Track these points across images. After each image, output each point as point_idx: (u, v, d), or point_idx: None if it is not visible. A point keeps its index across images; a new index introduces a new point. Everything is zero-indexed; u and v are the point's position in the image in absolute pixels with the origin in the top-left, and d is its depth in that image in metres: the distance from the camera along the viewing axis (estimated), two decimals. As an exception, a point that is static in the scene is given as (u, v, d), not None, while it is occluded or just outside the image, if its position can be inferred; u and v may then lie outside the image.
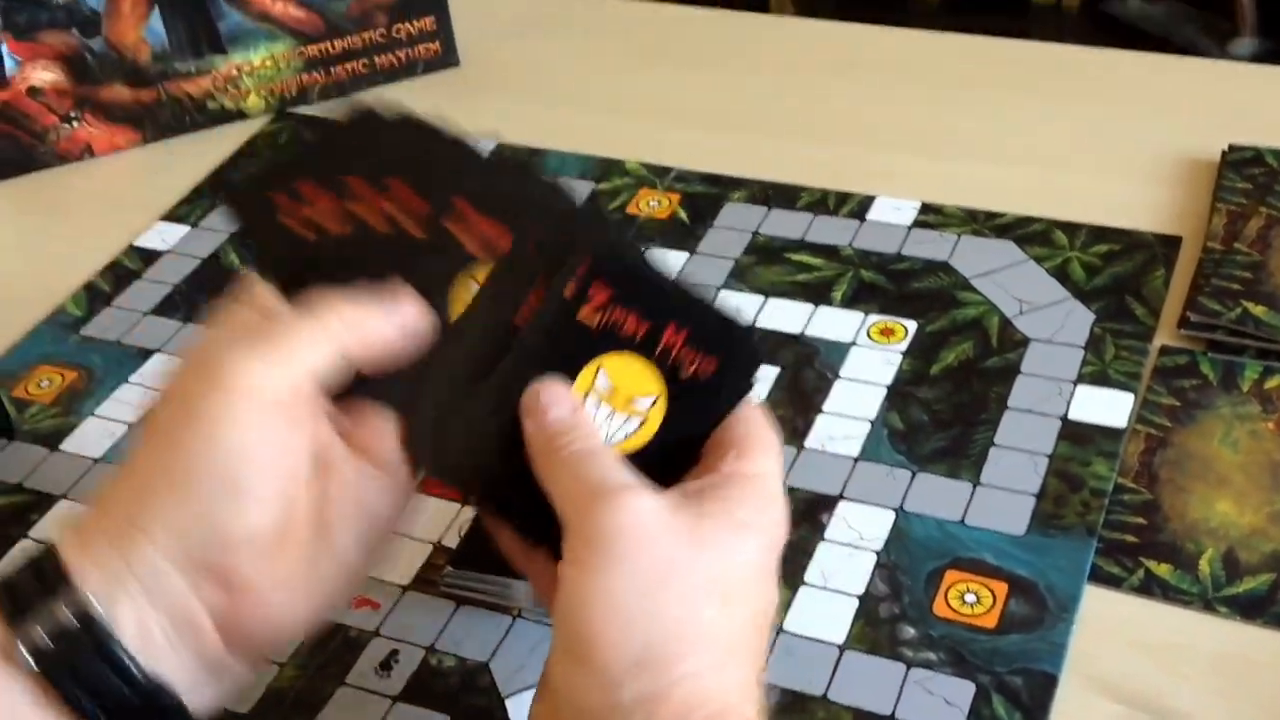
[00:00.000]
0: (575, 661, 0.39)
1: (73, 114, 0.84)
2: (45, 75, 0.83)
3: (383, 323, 0.43)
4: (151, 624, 0.40)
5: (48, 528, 0.60)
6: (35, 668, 0.38)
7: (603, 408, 0.43)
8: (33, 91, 0.83)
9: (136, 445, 0.42)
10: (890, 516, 0.56)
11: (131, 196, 0.81)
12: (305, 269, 0.45)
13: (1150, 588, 0.53)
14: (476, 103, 0.87)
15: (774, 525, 0.42)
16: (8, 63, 0.82)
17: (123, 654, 0.39)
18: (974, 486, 0.57)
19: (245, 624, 0.41)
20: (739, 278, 0.70)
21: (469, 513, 0.58)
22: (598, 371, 0.43)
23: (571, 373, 0.43)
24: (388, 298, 0.44)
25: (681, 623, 0.38)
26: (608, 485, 0.40)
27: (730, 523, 0.40)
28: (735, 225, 0.74)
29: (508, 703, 0.51)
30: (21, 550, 0.59)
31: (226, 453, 0.40)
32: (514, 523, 0.44)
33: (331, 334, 0.42)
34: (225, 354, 0.41)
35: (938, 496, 0.57)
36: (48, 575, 0.40)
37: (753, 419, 0.43)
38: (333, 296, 0.43)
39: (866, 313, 0.67)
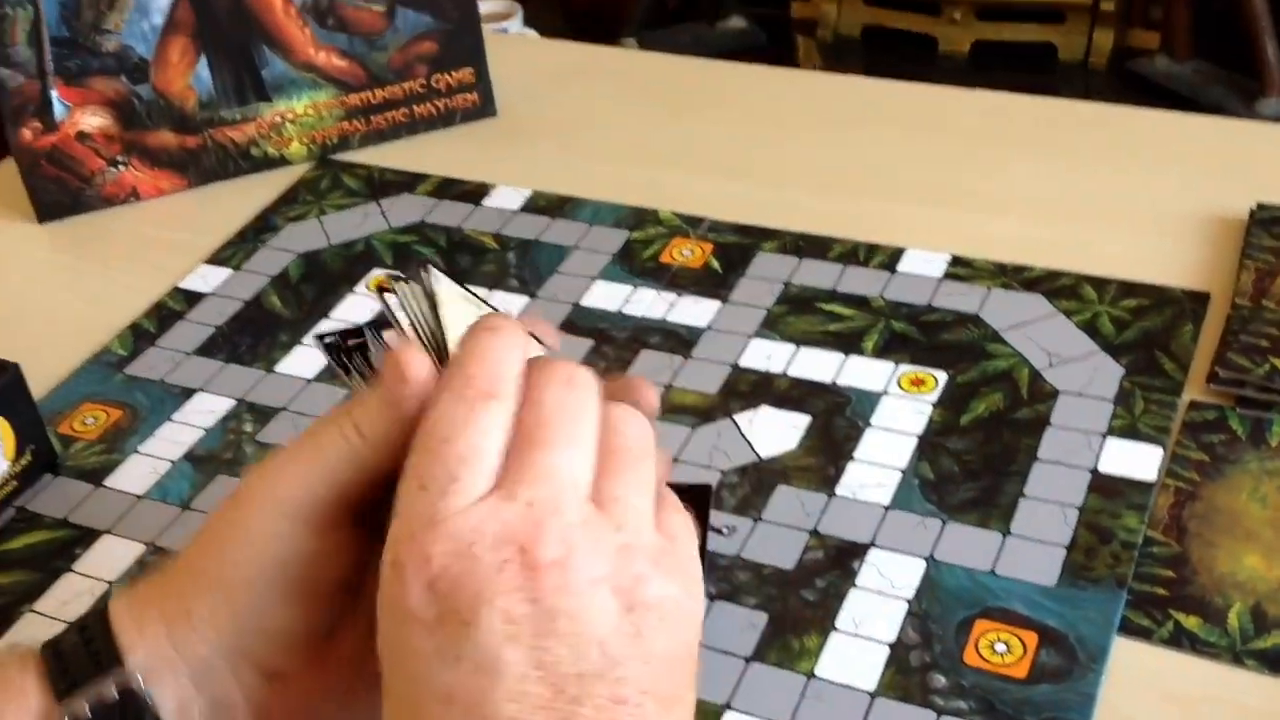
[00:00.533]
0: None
1: (120, 158, 0.86)
2: (94, 120, 0.85)
3: (382, 407, 0.40)
4: (192, 705, 0.41)
5: (92, 563, 0.61)
6: None
7: None
8: (81, 136, 0.85)
9: (201, 532, 0.43)
10: (921, 565, 0.57)
11: (176, 239, 0.83)
12: None
13: (1179, 640, 0.53)
14: (513, 152, 0.89)
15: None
16: (58, 107, 0.84)
17: None
18: (1004, 537, 0.58)
19: (281, 715, 0.42)
20: (771, 327, 0.71)
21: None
22: None
23: None
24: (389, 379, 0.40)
25: None
26: None
27: None
28: (767, 275, 0.75)
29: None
30: (67, 586, 0.60)
31: (256, 558, 0.40)
32: None
33: (350, 442, 0.40)
34: (263, 464, 0.41)
35: (968, 546, 0.57)
36: (100, 651, 0.40)
37: None
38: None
39: (897, 363, 0.67)
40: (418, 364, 0.39)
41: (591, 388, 0.38)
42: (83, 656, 0.40)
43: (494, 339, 0.37)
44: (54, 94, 0.83)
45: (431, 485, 0.35)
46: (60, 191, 0.86)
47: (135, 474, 0.66)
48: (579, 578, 0.35)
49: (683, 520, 0.39)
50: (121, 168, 0.86)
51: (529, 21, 2.29)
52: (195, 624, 0.41)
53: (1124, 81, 2.26)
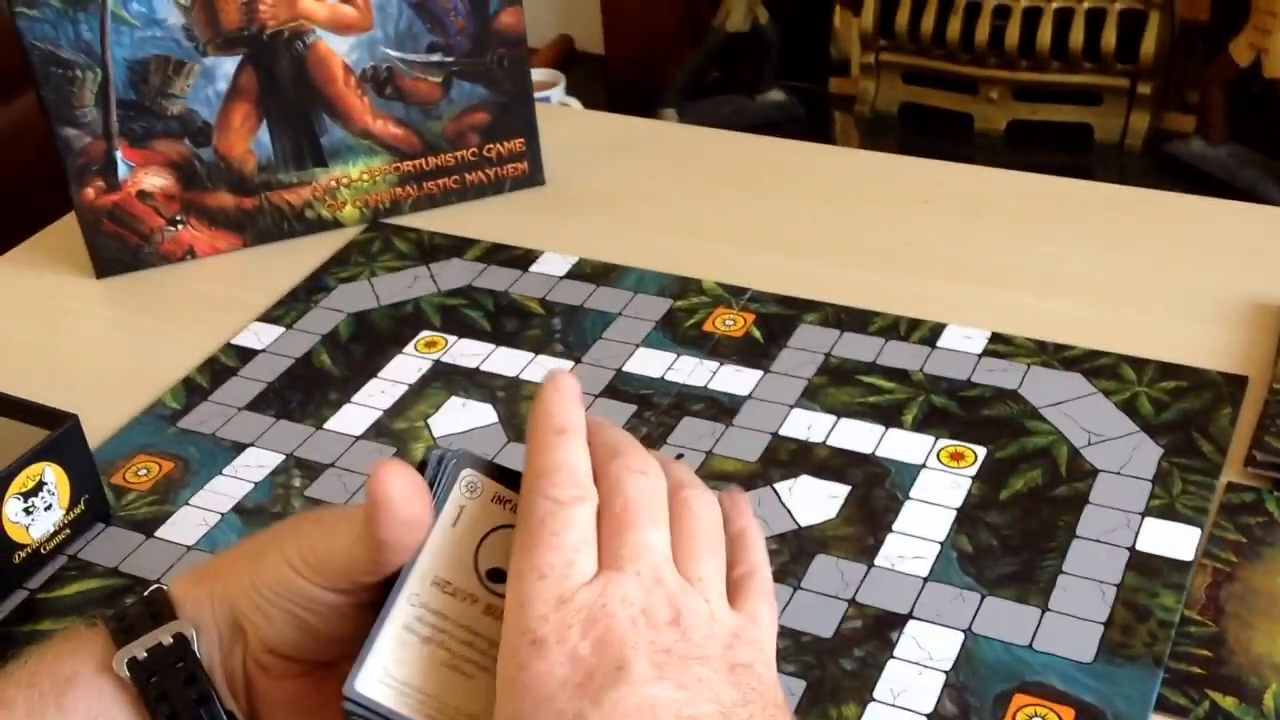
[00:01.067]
0: None
1: (179, 217, 0.89)
2: (156, 180, 0.87)
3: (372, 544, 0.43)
4: (215, 660, 0.45)
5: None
6: (128, 673, 0.43)
7: None
8: (142, 195, 0.87)
9: (267, 533, 0.46)
10: (959, 638, 0.57)
11: (230, 297, 0.85)
12: None
13: (1216, 719, 0.53)
14: (560, 220, 0.91)
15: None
16: (121, 167, 0.86)
17: (203, 676, 0.43)
18: (1042, 612, 0.58)
19: (264, 706, 0.45)
20: (811, 397, 0.72)
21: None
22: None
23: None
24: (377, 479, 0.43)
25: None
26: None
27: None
28: (808, 346, 0.76)
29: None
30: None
31: (277, 586, 0.44)
32: None
33: (355, 539, 0.43)
34: (321, 512, 0.45)
35: (1006, 620, 0.58)
36: (160, 612, 0.45)
37: None
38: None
39: (937, 437, 0.68)
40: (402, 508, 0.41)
41: (660, 475, 0.43)
42: (142, 613, 0.45)
43: (564, 443, 0.42)
44: (118, 154, 0.86)
45: (551, 573, 0.40)
46: (120, 248, 0.88)
47: (185, 525, 0.67)
48: (694, 636, 0.40)
49: (769, 610, 0.44)
50: (180, 227, 0.89)
51: (571, 90, 2.33)
52: (224, 589, 0.45)
53: (1159, 163, 2.27)
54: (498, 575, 0.43)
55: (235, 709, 0.44)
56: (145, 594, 0.46)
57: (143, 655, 0.43)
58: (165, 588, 0.46)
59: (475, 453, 0.45)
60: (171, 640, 0.43)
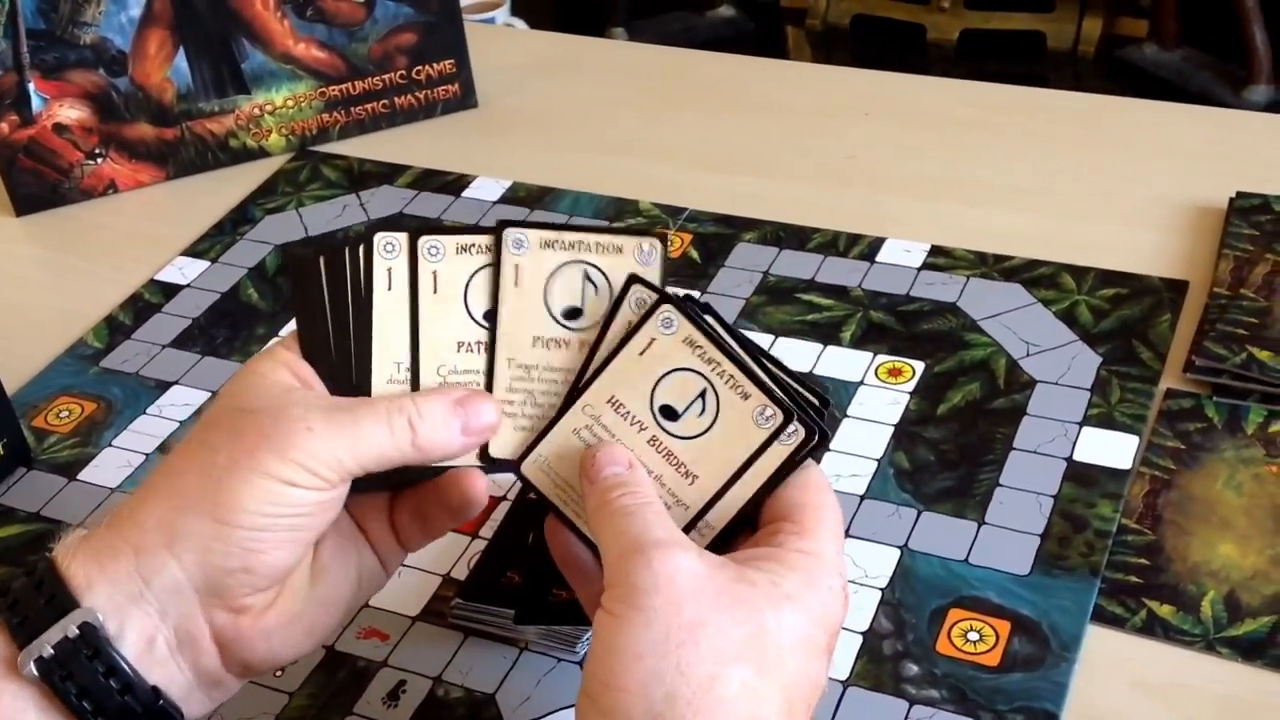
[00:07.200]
0: (595, 708, 0.39)
1: (98, 151, 0.86)
2: (71, 113, 0.84)
3: (449, 434, 0.45)
4: (158, 636, 0.42)
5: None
6: (37, 674, 0.41)
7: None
8: (59, 129, 0.84)
9: (183, 459, 0.44)
10: (895, 554, 0.57)
11: (153, 232, 0.83)
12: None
13: (1152, 628, 0.53)
14: (494, 143, 0.89)
15: (822, 605, 0.41)
16: (35, 100, 0.83)
17: (123, 662, 0.41)
18: (979, 526, 0.58)
19: (242, 645, 0.44)
20: (749, 317, 0.71)
21: (478, 545, 0.59)
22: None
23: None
24: (467, 403, 0.45)
25: (708, 682, 0.38)
26: (646, 539, 0.41)
27: (773, 593, 0.40)
28: (746, 265, 0.75)
29: (513, 734, 0.51)
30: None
31: (274, 507, 0.42)
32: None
33: (398, 439, 0.44)
34: (299, 419, 0.42)
35: (943, 535, 0.57)
36: (54, 595, 0.42)
37: (817, 494, 0.44)
38: (409, 397, 0.44)
39: (875, 353, 0.67)
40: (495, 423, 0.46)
41: None
42: (36, 601, 0.42)
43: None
44: (31, 87, 0.83)
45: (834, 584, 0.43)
46: (38, 185, 0.85)
47: (109, 467, 0.65)
48: None
49: None
50: (99, 160, 0.86)
51: (517, 11, 2.29)
52: (178, 550, 0.42)
53: (1113, 69, 2.26)
54: (669, 412, 0.45)
55: (180, 673, 0.43)
56: (28, 568, 0.43)
57: (49, 653, 0.41)
58: (52, 557, 0.43)
59: (680, 294, 0.46)
60: (78, 631, 0.41)
